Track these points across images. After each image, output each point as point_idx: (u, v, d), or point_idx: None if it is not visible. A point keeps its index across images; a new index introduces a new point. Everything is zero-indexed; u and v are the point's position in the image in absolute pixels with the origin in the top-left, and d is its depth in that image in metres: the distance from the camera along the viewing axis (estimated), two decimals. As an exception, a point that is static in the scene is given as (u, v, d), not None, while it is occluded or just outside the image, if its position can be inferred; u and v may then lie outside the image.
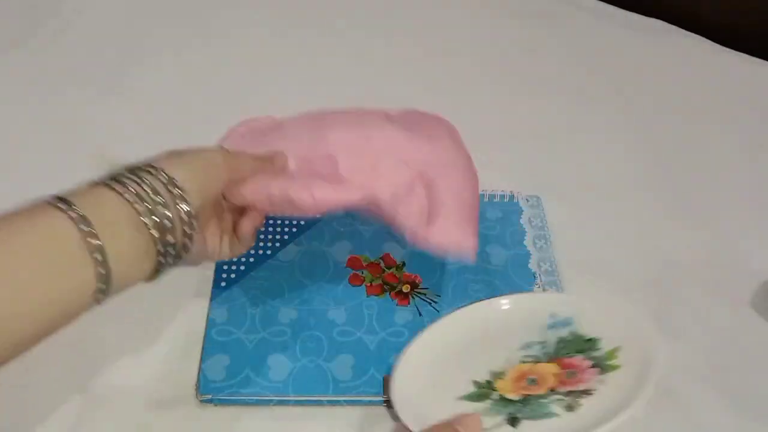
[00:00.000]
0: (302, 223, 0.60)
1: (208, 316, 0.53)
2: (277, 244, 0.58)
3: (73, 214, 0.41)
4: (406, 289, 0.56)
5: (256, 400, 0.49)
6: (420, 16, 0.83)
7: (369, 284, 0.56)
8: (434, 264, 0.58)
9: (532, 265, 0.59)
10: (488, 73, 0.78)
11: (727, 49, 0.82)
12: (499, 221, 0.62)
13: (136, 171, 0.45)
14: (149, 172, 0.45)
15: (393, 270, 0.57)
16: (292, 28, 0.79)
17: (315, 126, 0.57)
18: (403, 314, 0.54)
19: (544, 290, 0.57)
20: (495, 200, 0.63)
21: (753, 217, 0.66)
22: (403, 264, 0.58)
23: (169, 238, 0.44)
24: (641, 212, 0.65)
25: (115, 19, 0.78)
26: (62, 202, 0.42)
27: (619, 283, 0.59)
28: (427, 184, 0.53)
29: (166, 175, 0.45)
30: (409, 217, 0.52)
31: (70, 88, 0.71)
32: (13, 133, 0.67)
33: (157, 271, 0.45)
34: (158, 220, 0.43)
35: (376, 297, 0.55)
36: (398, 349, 0.51)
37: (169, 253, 0.45)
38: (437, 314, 0.54)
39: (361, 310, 0.54)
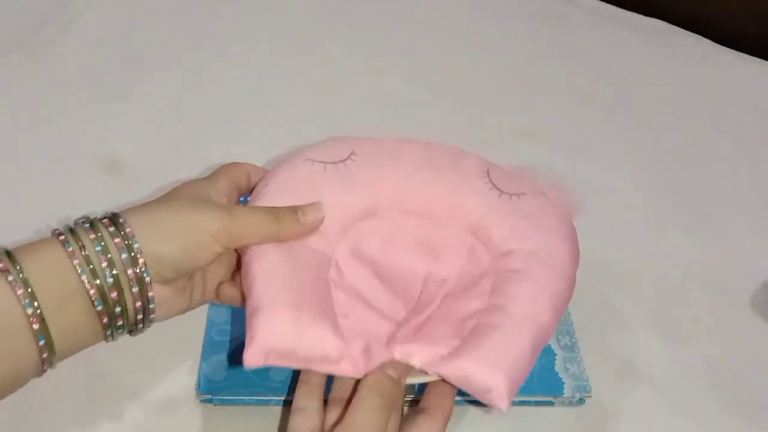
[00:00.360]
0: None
1: (207, 316, 0.53)
2: None
3: (20, 290, 0.36)
4: None
5: (256, 400, 0.49)
6: (419, 16, 0.83)
7: None
8: None
9: None
10: (488, 73, 0.78)
11: (727, 49, 0.82)
12: None
13: (99, 230, 0.39)
14: (116, 239, 0.39)
15: None
16: (297, 32, 0.79)
17: (392, 166, 0.48)
18: None
19: None
20: None
21: (753, 217, 0.66)
22: None
23: (119, 321, 0.40)
24: (641, 212, 0.65)
25: (117, 21, 0.78)
26: (10, 264, 0.37)
27: (620, 284, 0.59)
28: (498, 286, 0.44)
29: (132, 245, 0.39)
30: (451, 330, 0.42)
31: (71, 91, 0.71)
32: (14, 136, 0.67)
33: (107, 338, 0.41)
34: (108, 303, 0.39)
35: None
36: None
37: (118, 329, 0.41)
38: None
39: None
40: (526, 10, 0.85)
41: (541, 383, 0.50)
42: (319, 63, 0.76)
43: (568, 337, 0.53)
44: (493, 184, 0.48)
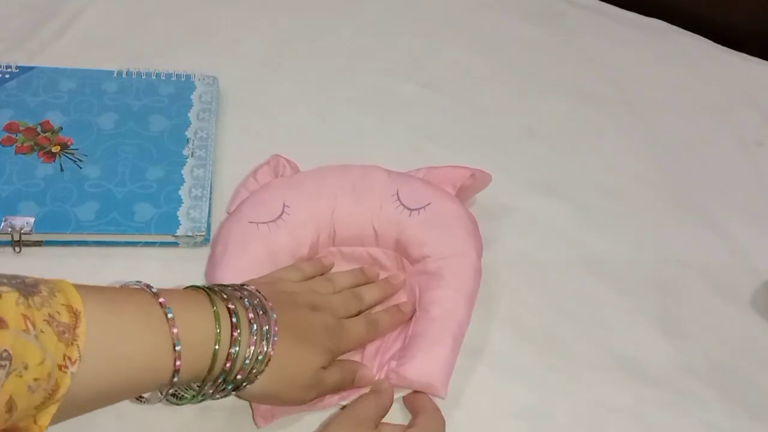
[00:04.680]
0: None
1: None
2: None
3: (175, 329, 0.41)
4: (55, 149, 0.61)
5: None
6: (420, 14, 0.83)
7: (20, 145, 0.61)
8: (91, 130, 0.63)
9: (189, 132, 0.64)
10: (488, 72, 0.78)
11: (727, 49, 0.82)
12: (170, 96, 0.67)
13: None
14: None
15: (48, 134, 0.62)
16: (297, 30, 0.79)
17: (316, 197, 0.57)
18: (45, 169, 0.60)
19: (193, 154, 0.62)
20: (172, 78, 0.68)
21: (753, 217, 0.66)
22: (60, 129, 0.62)
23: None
24: (642, 212, 0.65)
25: (117, 21, 0.78)
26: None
27: (621, 283, 0.59)
28: (423, 291, 0.54)
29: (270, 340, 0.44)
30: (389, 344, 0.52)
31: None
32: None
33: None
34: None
35: (23, 155, 0.60)
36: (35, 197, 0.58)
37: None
38: (80, 171, 0.60)
39: (5, 166, 0.59)
40: (526, 9, 0.85)
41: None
42: (319, 61, 0.76)
43: (201, 190, 0.59)
44: (403, 205, 0.57)
